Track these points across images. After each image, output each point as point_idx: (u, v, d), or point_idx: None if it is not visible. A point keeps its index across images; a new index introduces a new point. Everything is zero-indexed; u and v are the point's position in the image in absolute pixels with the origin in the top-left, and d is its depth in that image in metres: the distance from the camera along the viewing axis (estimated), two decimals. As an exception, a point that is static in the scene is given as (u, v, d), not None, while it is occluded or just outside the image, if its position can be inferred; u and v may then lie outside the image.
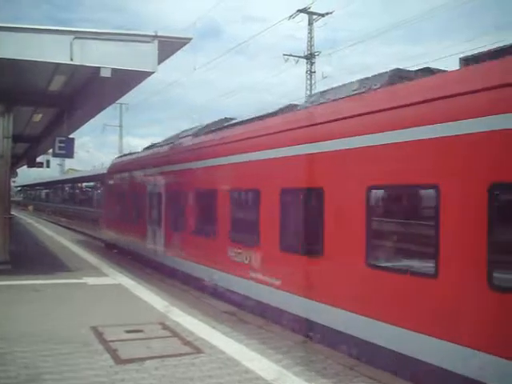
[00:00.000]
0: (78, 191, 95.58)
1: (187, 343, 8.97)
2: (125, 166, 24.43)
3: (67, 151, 18.17)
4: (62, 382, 7.07)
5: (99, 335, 9.32)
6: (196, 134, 16.83)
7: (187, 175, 16.21)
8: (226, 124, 15.38)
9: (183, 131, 18.80)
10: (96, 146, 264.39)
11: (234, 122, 15.09)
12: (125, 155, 27.41)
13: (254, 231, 12.10)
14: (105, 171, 29.47)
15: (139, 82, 15.40)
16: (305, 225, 10.64)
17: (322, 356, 8.48)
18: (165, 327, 10.03)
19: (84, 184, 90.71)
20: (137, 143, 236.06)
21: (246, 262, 12.25)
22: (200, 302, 12.71)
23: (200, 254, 14.96)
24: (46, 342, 8.80)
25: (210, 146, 14.76)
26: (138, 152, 24.80)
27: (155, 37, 12.73)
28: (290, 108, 12.63)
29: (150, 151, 21.66)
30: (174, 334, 9.53)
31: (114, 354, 8.28)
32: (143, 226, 19.97)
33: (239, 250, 12.64)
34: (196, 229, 15.42)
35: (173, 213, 17.36)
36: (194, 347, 8.75)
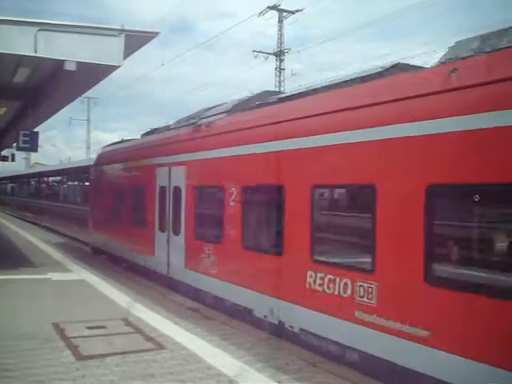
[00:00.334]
0: (44, 185, 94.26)
1: (150, 339, 8.94)
2: (120, 156, 20.33)
3: (31, 145, 18.01)
4: (22, 378, 6.99)
5: (61, 331, 9.24)
6: (231, 111, 13.22)
7: (229, 164, 12.10)
8: (280, 97, 12.12)
9: (204, 110, 15.19)
10: (63, 140, 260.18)
11: (297, 92, 11.52)
12: (116, 143, 23.39)
13: (365, 249, 8.29)
14: (83, 164, 26.64)
15: (105, 76, 15.26)
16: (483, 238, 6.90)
17: (285, 352, 8.53)
18: (127, 323, 9.98)
19: (51, 179, 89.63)
20: (106, 138, 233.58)
21: (345, 295, 8.32)
22: (164, 298, 12.66)
23: (252, 275, 10.89)
24: (7, 339, 8.68)
25: (269, 124, 10.78)
26: (136, 139, 21.07)
27: (122, 31, 12.62)
28: (400, 67, 9.13)
29: (157, 136, 17.67)
30: (137, 330, 9.49)
31: (75, 350, 8.22)
32: (149, 230, 16.25)
33: (331, 276, 8.62)
34: (242, 239, 11.36)
35: (200, 216, 13.57)
36: (157, 343, 8.72)
